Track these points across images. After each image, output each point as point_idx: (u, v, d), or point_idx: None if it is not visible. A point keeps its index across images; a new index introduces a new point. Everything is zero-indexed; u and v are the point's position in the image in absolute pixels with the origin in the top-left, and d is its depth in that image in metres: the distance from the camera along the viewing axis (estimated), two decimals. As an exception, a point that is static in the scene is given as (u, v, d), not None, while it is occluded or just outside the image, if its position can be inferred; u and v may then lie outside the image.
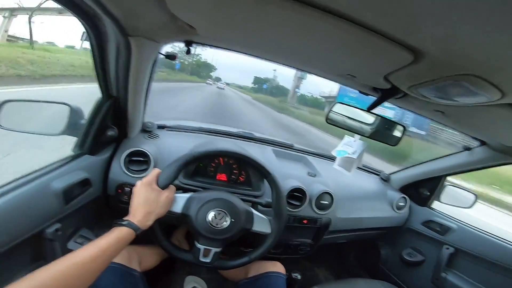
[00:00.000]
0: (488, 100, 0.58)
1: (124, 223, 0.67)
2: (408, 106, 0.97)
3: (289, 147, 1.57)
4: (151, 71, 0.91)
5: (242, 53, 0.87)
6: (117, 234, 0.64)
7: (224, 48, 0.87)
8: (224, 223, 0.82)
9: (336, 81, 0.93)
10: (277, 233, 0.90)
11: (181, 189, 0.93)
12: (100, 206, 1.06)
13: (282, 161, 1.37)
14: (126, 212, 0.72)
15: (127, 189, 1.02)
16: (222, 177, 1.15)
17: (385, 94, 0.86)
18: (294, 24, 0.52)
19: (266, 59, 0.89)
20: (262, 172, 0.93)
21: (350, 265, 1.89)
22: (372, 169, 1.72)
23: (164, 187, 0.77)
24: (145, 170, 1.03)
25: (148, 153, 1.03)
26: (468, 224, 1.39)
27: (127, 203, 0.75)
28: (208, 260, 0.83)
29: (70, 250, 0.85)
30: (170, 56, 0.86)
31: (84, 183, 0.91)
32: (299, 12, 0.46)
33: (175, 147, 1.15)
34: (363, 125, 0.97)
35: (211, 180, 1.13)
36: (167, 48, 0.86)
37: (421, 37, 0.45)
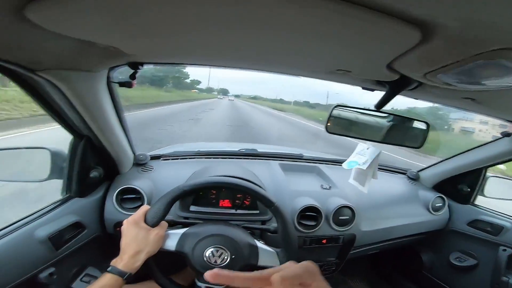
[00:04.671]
0: None
1: (108, 269, 0.61)
2: (427, 97, 0.71)
3: (298, 158, 1.32)
4: (114, 102, 0.75)
5: (204, 66, 0.67)
6: (101, 283, 0.59)
7: (182, 64, 0.67)
8: (224, 260, 0.69)
9: (328, 80, 0.71)
10: None
11: (179, 223, 0.81)
12: (104, 243, 0.96)
13: (291, 176, 1.15)
14: None
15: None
16: (226, 203, 0.98)
17: (394, 87, 0.62)
18: (249, 18, 0.33)
19: (236, 67, 0.68)
20: (263, 202, 0.76)
21: (388, 274, 1.58)
22: (396, 168, 1.40)
23: (153, 225, 0.68)
24: (139, 206, 0.91)
25: (140, 189, 0.90)
26: None
27: None
28: None
29: None
30: (125, 84, 0.70)
31: (76, 226, 0.81)
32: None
33: (170, 178, 1.00)
34: (373, 129, 0.73)
35: (213, 208, 0.97)
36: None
37: (431, 7, 0.27)
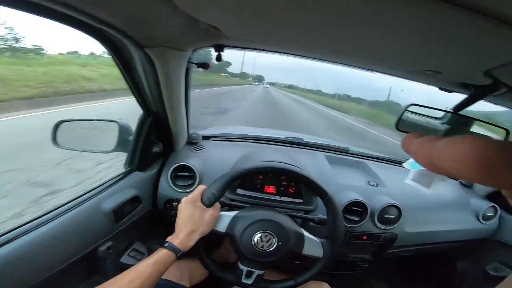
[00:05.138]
0: None
1: (165, 245, 0.62)
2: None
3: (344, 151, 1.30)
4: (185, 82, 0.78)
5: (285, 54, 0.68)
6: (156, 257, 0.59)
7: (262, 50, 0.68)
8: (271, 246, 0.69)
9: (408, 79, 0.70)
10: (330, 258, 0.74)
11: (226, 205, 0.82)
12: (152, 219, 0.99)
13: (337, 169, 1.14)
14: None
15: (174, 204, 0.93)
16: (270, 189, 0.99)
17: (480, 91, 0.61)
18: (358, 10, 0.33)
19: (315, 58, 0.69)
20: (317, 191, 0.76)
21: (416, 279, 1.52)
22: None
23: (209, 205, 0.68)
24: (191, 185, 0.93)
25: (194, 168, 0.92)
26: None
27: (176, 217, 0.69)
28: (250, 282, 0.73)
29: (122, 265, 0.83)
30: (203, 65, 0.72)
31: (134, 200, 0.84)
32: None
33: (220, 159, 1.02)
34: (448, 131, 0.71)
35: (258, 192, 0.97)
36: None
37: None
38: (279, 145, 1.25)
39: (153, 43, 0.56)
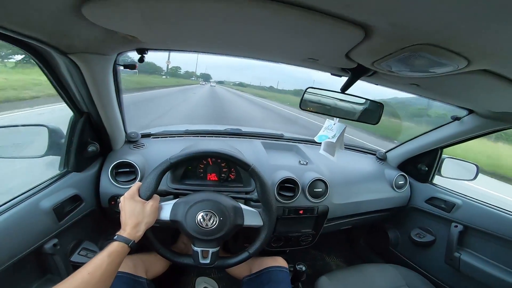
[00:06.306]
0: (455, 69, 0.50)
1: (114, 237, 0.66)
2: (382, 82, 0.85)
3: (279, 137, 1.45)
4: (116, 83, 0.84)
5: (199, 52, 0.78)
6: (109, 249, 0.63)
7: (182, 50, 0.78)
8: (214, 223, 0.77)
9: (302, 66, 0.84)
10: (270, 224, 0.84)
11: (170, 194, 0.89)
12: (99, 218, 1.03)
13: (272, 153, 1.26)
14: None
15: (118, 200, 0.97)
16: (212, 176, 1.08)
17: (355, 73, 0.77)
18: (236, 16, 0.44)
19: (225, 54, 0.80)
20: (241, 166, 0.85)
21: (361, 250, 1.74)
22: (367, 149, 1.56)
23: (147, 198, 0.74)
24: (134, 180, 0.98)
25: (134, 163, 0.97)
26: (473, 199, 1.22)
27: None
28: (207, 261, 0.79)
29: (74, 263, 0.85)
30: (129, 66, 0.79)
31: (74, 199, 0.87)
32: (235, 3, 0.39)
33: (161, 153, 1.08)
34: (339, 108, 0.87)
35: (201, 181, 1.07)
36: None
37: (365, 13, 0.39)
38: (219, 137, 1.35)
39: (76, 50, 0.62)
